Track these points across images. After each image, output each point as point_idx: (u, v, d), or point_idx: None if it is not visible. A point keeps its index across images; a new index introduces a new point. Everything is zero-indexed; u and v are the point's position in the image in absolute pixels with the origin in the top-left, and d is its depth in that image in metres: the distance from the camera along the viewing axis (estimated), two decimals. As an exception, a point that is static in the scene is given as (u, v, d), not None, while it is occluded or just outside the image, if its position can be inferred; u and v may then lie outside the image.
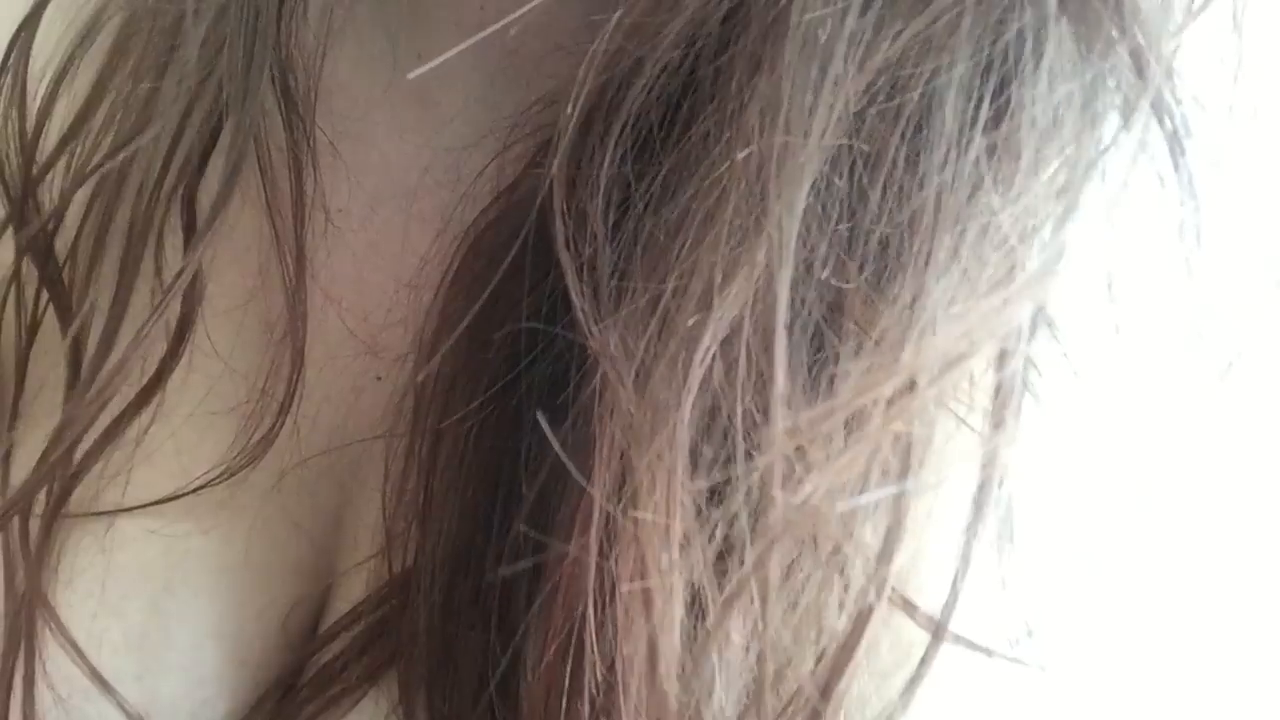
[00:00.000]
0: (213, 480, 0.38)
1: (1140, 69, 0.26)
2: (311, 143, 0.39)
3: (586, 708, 0.30)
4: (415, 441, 0.37)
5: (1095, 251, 0.28)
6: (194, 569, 0.39)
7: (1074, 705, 0.30)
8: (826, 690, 0.27)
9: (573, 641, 0.30)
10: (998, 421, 0.28)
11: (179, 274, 0.36)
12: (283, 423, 0.38)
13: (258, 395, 0.39)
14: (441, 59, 0.31)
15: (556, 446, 0.30)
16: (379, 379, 0.40)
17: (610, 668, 0.29)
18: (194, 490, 0.38)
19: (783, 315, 0.26)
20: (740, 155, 0.27)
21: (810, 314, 0.28)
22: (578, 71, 0.33)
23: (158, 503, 0.38)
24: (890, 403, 0.26)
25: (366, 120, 0.40)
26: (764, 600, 0.27)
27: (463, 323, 0.36)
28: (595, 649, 0.30)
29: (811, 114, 0.26)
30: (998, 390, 0.28)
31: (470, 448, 0.36)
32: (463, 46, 0.31)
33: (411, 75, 0.32)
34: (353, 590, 0.40)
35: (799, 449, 0.26)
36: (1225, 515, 0.32)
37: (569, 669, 0.30)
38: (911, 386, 0.26)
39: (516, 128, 0.37)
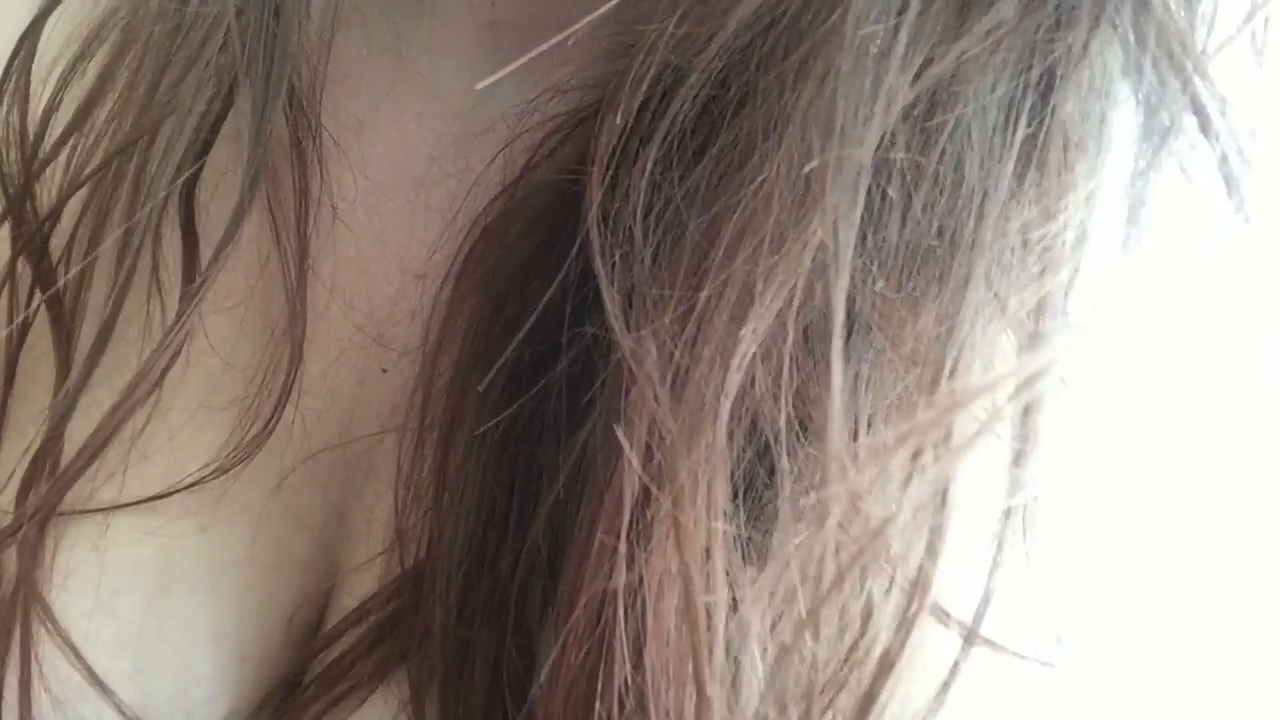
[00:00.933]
0: (205, 477, 0.38)
1: (1188, 89, 0.27)
2: (317, 139, 0.38)
3: (615, 710, 0.30)
4: (426, 436, 0.37)
5: (1127, 267, 0.28)
6: (190, 567, 0.39)
7: (1101, 709, 0.31)
8: (869, 699, 0.28)
9: (598, 645, 0.30)
10: (1025, 431, 0.29)
11: (193, 291, 0.36)
12: (277, 420, 0.38)
13: (254, 392, 0.38)
14: (510, 68, 0.30)
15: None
16: (385, 371, 0.40)
17: (638, 670, 0.30)
18: (185, 488, 0.38)
19: (840, 324, 0.27)
20: (805, 168, 0.27)
21: (852, 320, 0.29)
22: (590, 61, 0.33)
23: (150, 499, 0.38)
24: (947, 432, 0.27)
25: (373, 110, 0.40)
26: (814, 615, 0.27)
27: (472, 317, 0.36)
28: (625, 654, 0.30)
29: (865, 126, 0.27)
30: (1027, 403, 0.29)
31: (486, 443, 0.36)
32: (530, 56, 0.30)
33: (480, 86, 0.32)
34: (360, 586, 0.39)
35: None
36: (1252, 521, 0.33)
37: (596, 673, 0.30)
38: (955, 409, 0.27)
39: (525, 116, 0.37)
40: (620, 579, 0.30)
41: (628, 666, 0.30)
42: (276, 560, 0.40)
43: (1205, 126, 0.27)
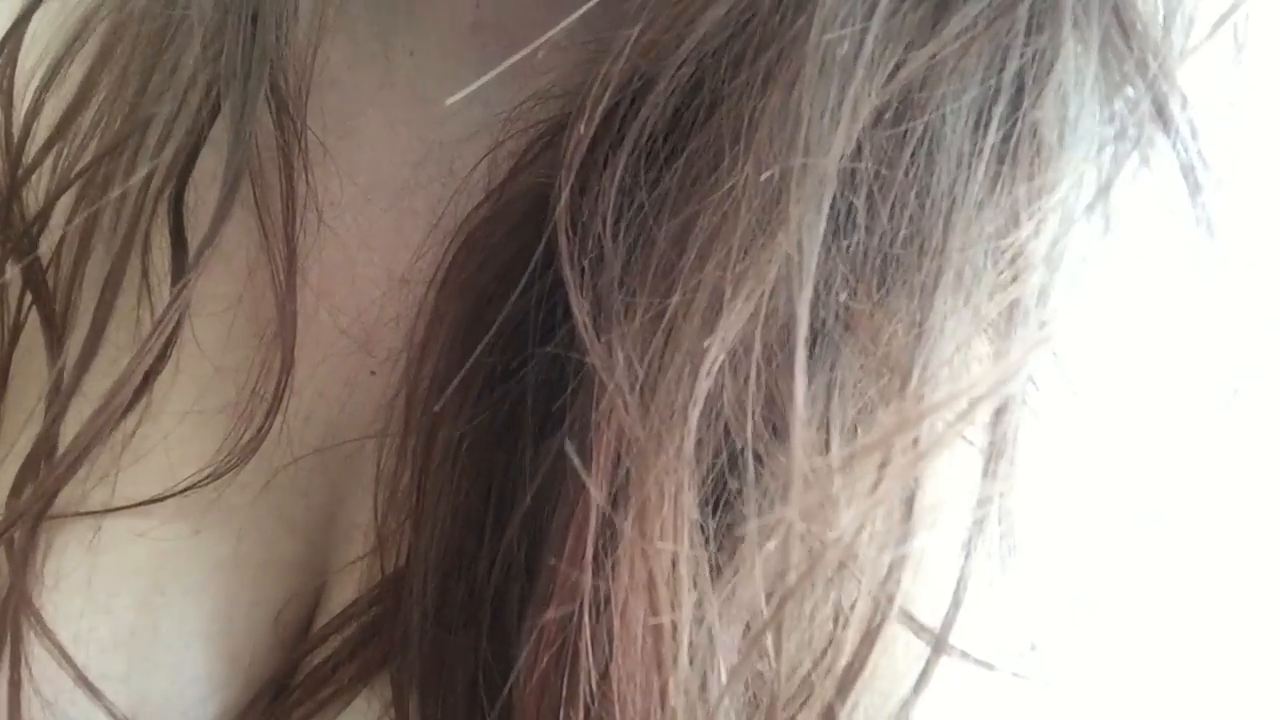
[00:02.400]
0: (199, 482, 0.38)
1: (1155, 94, 0.27)
2: (303, 144, 0.38)
3: (581, 717, 0.30)
4: (407, 442, 0.37)
5: (1098, 270, 0.28)
6: (184, 567, 0.39)
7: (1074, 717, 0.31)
8: (833, 708, 0.28)
9: (566, 650, 0.30)
10: (997, 438, 0.28)
11: (174, 296, 0.36)
12: (270, 425, 0.38)
13: (247, 396, 0.38)
14: (487, 77, 0.30)
15: (578, 466, 0.30)
16: (373, 374, 0.40)
17: (605, 678, 0.30)
18: (180, 492, 0.38)
19: (803, 337, 0.26)
20: (762, 176, 0.27)
21: (818, 330, 0.29)
22: (573, 67, 0.33)
23: (144, 504, 0.38)
24: (915, 440, 0.26)
25: (359, 115, 0.40)
26: (778, 625, 0.27)
27: (455, 322, 0.36)
28: (590, 659, 0.30)
29: (831, 133, 0.26)
30: (997, 408, 0.28)
31: (463, 449, 0.36)
32: (508, 64, 0.30)
33: (450, 101, 0.32)
34: (346, 590, 0.39)
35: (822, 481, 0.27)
36: (1229, 527, 0.32)
37: (563, 678, 0.30)
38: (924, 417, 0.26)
39: (509, 123, 0.37)
40: (587, 586, 0.30)
41: (594, 675, 0.30)
42: (264, 560, 0.40)
43: (1170, 133, 0.27)
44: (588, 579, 0.30)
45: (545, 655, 0.31)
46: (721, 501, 0.30)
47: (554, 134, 0.36)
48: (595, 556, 0.30)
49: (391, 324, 0.39)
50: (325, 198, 0.39)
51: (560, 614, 0.30)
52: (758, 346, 0.28)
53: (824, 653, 0.28)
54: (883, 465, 0.27)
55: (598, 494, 0.30)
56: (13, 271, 0.38)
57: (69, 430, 0.37)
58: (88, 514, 0.38)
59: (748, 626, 0.29)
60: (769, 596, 0.27)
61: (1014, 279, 0.28)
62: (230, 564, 0.39)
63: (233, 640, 0.39)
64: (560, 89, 0.36)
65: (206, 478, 0.38)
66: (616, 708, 0.29)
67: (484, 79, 0.30)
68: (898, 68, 0.27)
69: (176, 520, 0.39)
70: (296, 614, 0.41)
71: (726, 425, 0.29)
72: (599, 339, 0.30)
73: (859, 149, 0.27)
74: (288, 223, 0.38)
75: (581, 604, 0.30)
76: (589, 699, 0.30)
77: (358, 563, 0.39)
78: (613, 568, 0.29)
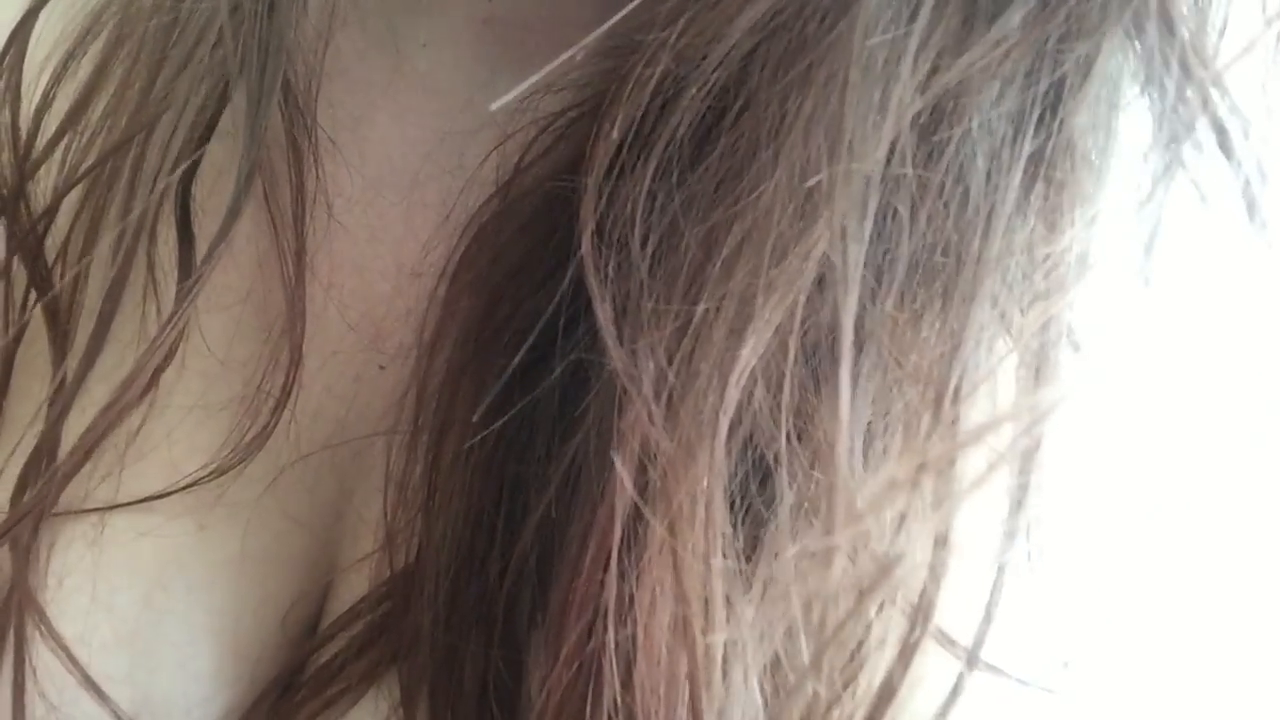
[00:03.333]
0: (203, 478, 0.38)
1: (1203, 98, 0.26)
2: (313, 137, 0.38)
3: (597, 715, 0.30)
4: (418, 439, 0.37)
5: (1138, 286, 0.27)
6: (188, 564, 0.38)
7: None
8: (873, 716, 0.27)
9: (590, 663, 0.30)
10: (1026, 451, 0.28)
11: (184, 293, 0.35)
12: (277, 420, 0.38)
13: (254, 391, 0.38)
14: (525, 86, 0.30)
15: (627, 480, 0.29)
16: (382, 368, 0.39)
17: (627, 689, 0.29)
18: (184, 488, 0.38)
19: (849, 346, 0.26)
20: (808, 182, 0.26)
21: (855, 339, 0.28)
22: (582, 60, 0.33)
23: (147, 500, 0.38)
24: (950, 466, 0.26)
25: (370, 107, 0.39)
26: (822, 644, 0.27)
27: (465, 319, 0.36)
28: (615, 672, 0.29)
29: (875, 137, 0.26)
30: (1032, 416, 0.28)
31: (475, 448, 0.36)
32: (550, 70, 0.30)
33: (494, 107, 0.31)
34: (354, 587, 0.39)
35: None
36: (1263, 548, 0.32)
37: (586, 690, 0.30)
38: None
39: (517, 115, 0.37)
40: (611, 596, 0.29)
41: (617, 685, 0.29)
42: (271, 557, 0.39)
43: (1223, 142, 0.26)
44: (612, 588, 0.29)
45: (566, 667, 0.30)
46: (748, 512, 0.30)
47: (564, 128, 0.36)
48: (620, 565, 0.29)
49: (401, 318, 0.39)
50: (335, 190, 0.39)
51: (582, 624, 0.30)
52: (791, 354, 0.27)
53: (858, 670, 0.28)
54: (917, 489, 0.27)
55: (624, 503, 0.29)
56: (18, 267, 0.38)
57: (72, 427, 0.37)
58: (92, 511, 0.38)
59: (780, 644, 0.28)
60: (806, 619, 0.27)
61: (1049, 290, 0.27)
62: (236, 561, 0.39)
63: (239, 638, 0.39)
64: (567, 81, 0.35)
65: (211, 473, 0.38)
66: (639, 712, 0.29)
67: (532, 80, 0.30)
68: (937, 73, 0.27)
69: (181, 517, 0.38)
70: (303, 611, 0.40)
71: (753, 436, 0.29)
72: (623, 346, 0.30)
73: (899, 155, 0.27)
74: (297, 217, 0.38)
75: (605, 613, 0.29)
76: (612, 711, 0.29)
77: (366, 560, 0.39)
78: (638, 577, 0.29)
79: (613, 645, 0.29)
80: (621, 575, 0.29)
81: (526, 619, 0.35)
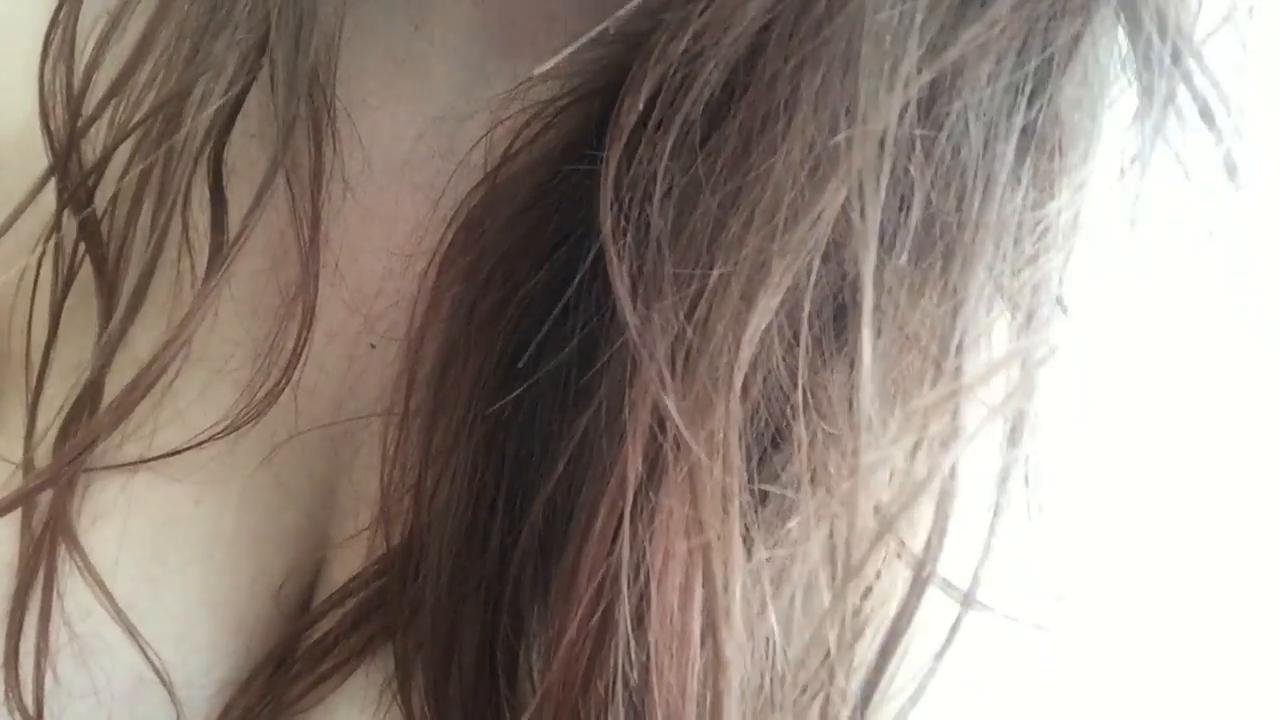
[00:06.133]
0: (216, 435, 0.39)
1: (1185, 71, 0.28)
2: (332, 114, 0.39)
3: (618, 687, 0.31)
4: (411, 423, 0.38)
5: (1122, 244, 0.29)
6: (185, 537, 0.39)
7: (1098, 673, 0.32)
8: (881, 661, 0.29)
9: (602, 623, 0.31)
10: (1021, 400, 0.30)
11: (219, 261, 0.36)
12: (289, 378, 0.39)
13: (265, 352, 0.39)
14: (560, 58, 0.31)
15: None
16: (373, 346, 0.40)
17: (641, 647, 0.30)
18: (196, 445, 0.39)
19: (870, 298, 0.27)
20: (821, 144, 0.28)
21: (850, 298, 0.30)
22: (569, 45, 0.34)
23: (164, 456, 0.39)
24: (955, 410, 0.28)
25: (364, 90, 0.40)
26: (843, 585, 0.28)
27: (455, 305, 0.37)
28: (629, 631, 0.30)
29: (886, 104, 0.28)
30: (1024, 368, 0.30)
31: (476, 428, 0.37)
32: (564, 53, 0.31)
33: (537, 72, 0.32)
34: (347, 563, 0.40)
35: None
36: (1247, 492, 0.34)
37: (597, 651, 0.31)
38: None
39: (506, 102, 0.37)
40: (625, 558, 0.30)
41: (631, 644, 0.30)
42: (266, 532, 0.40)
43: (1204, 111, 0.28)
44: (624, 552, 0.30)
45: (577, 628, 0.31)
46: (763, 470, 0.31)
47: (552, 116, 0.37)
48: (632, 530, 0.30)
49: (392, 299, 0.40)
50: (345, 170, 0.40)
51: (593, 587, 0.31)
52: (805, 312, 0.29)
53: (868, 621, 0.30)
54: (922, 436, 0.28)
55: (635, 467, 0.30)
56: (70, 222, 0.38)
57: (111, 380, 0.37)
58: (114, 468, 0.39)
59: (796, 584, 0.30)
60: (826, 562, 0.28)
61: (1038, 255, 0.29)
62: (232, 535, 0.40)
63: (235, 610, 0.40)
64: (556, 70, 0.36)
65: (225, 429, 0.39)
66: (654, 676, 0.30)
67: (567, 51, 0.30)
68: (939, 48, 0.28)
69: (176, 491, 0.39)
70: (297, 586, 0.41)
71: (767, 397, 0.30)
72: (637, 313, 0.31)
73: (907, 124, 0.28)
74: (314, 189, 0.38)
75: (618, 576, 0.30)
76: (626, 669, 0.30)
77: (356, 538, 0.39)
78: (650, 537, 0.30)
79: (626, 605, 0.30)
80: (634, 538, 0.30)
81: (530, 590, 0.36)
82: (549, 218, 0.36)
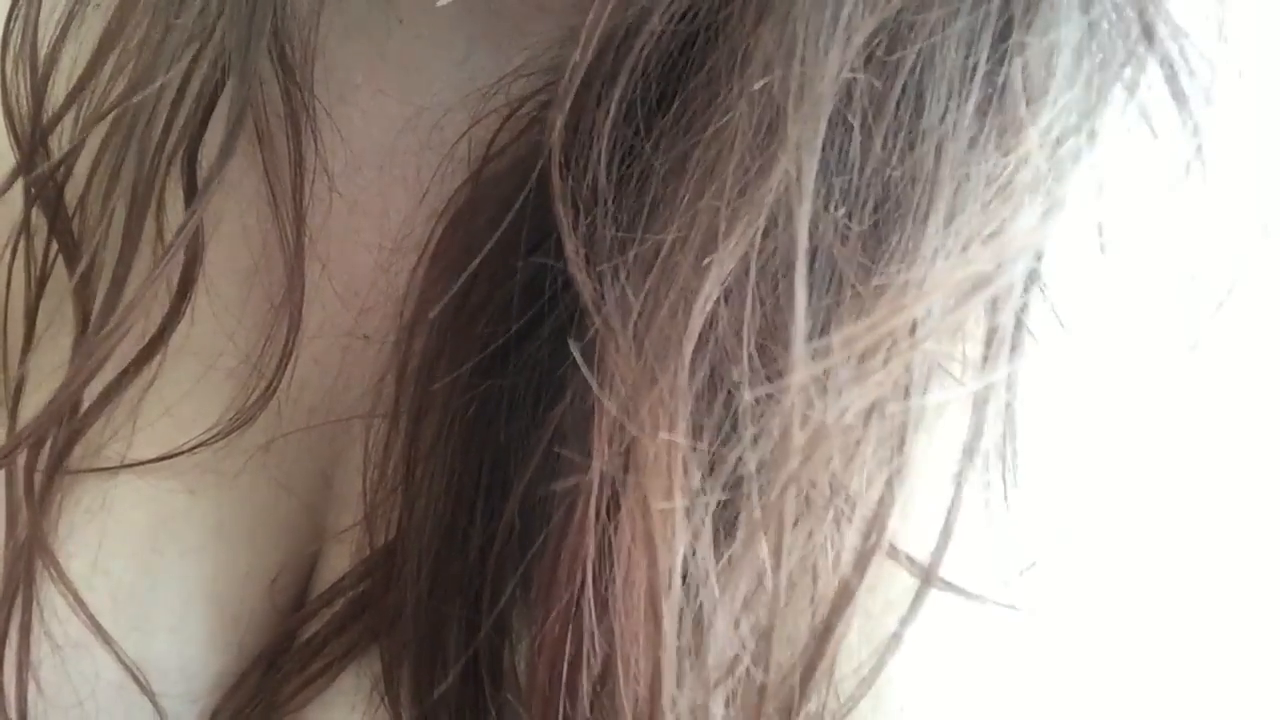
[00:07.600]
0: (207, 440, 0.39)
1: (1145, 21, 0.27)
2: (310, 111, 0.39)
3: (585, 677, 0.30)
4: (396, 422, 0.37)
5: (1088, 203, 0.28)
6: (180, 529, 0.39)
7: (1066, 651, 0.31)
8: (824, 635, 0.28)
9: (575, 619, 0.30)
10: (988, 369, 0.29)
11: (181, 229, 0.36)
12: (279, 380, 0.39)
13: (256, 355, 0.39)
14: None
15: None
16: (366, 337, 0.40)
17: (607, 640, 0.30)
18: (188, 450, 0.38)
19: (803, 247, 0.26)
20: (756, 85, 0.27)
21: (815, 252, 0.29)
22: (553, 47, 0.33)
23: (149, 462, 0.39)
24: (912, 328, 0.26)
25: (349, 84, 0.40)
26: (777, 543, 0.27)
27: (442, 300, 0.36)
28: (595, 625, 0.30)
29: (826, 54, 0.27)
30: (989, 338, 0.29)
31: (454, 428, 0.36)
32: None
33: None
34: (338, 559, 0.40)
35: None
36: (1222, 467, 0.33)
37: (571, 645, 0.30)
38: (913, 330, 0.27)
39: (488, 97, 0.37)
40: (590, 550, 0.30)
41: (598, 637, 0.30)
42: (260, 525, 0.40)
43: (1166, 66, 0.27)
44: (591, 542, 0.30)
45: (555, 624, 0.31)
46: (721, 444, 0.30)
47: (534, 110, 0.36)
48: (599, 520, 0.30)
49: (383, 292, 0.40)
50: (327, 164, 0.39)
51: (571, 581, 0.30)
52: (753, 276, 0.28)
53: (812, 582, 0.28)
54: (880, 355, 0.27)
55: (601, 454, 0.29)
56: (41, 221, 0.38)
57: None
58: (96, 470, 0.39)
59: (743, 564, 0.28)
60: (766, 522, 0.27)
61: (999, 210, 0.28)
62: (227, 527, 0.40)
63: (231, 603, 0.40)
64: (538, 66, 0.36)
65: (216, 435, 0.39)
66: (620, 666, 0.29)
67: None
68: None
69: (171, 481, 0.39)
70: (292, 579, 0.41)
71: (721, 362, 0.29)
72: (590, 278, 0.30)
73: (854, 76, 0.28)
74: (295, 187, 0.38)
75: (586, 570, 0.30)
76: (592, 656, 0.30)
77: (349, 532, 0.39)
78: (616, 527, 0.29)
79: (591, 599, 0.30)
80: (602, 528, 0.30)
81: (511, 589, 0.35)
82: (531, 215, 0.35)
